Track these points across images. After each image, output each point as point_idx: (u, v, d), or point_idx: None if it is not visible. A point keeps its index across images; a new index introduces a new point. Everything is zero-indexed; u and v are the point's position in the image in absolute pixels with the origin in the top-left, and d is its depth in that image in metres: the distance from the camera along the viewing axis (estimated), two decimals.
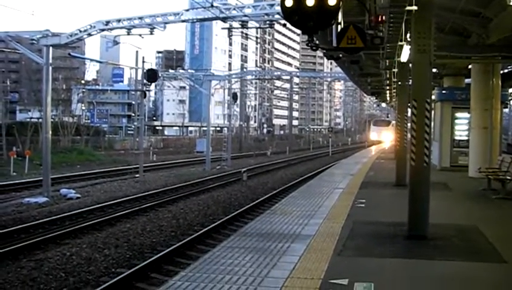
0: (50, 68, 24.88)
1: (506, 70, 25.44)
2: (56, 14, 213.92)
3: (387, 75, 26.67)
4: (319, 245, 8.93)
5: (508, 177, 15.00)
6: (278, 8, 20.34)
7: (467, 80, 25.07)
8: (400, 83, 20.47)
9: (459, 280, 7.38)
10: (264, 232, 9.96)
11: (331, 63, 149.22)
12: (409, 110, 17.52)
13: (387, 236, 9.79)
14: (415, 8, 9.92)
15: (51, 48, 24.57)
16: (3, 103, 59.22)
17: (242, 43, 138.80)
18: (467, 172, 20.97)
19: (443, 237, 9.76)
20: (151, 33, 24.42)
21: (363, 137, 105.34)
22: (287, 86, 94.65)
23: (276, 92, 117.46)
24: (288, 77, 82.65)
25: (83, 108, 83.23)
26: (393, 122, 77.03)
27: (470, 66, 22.21)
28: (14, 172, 32.62)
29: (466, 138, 23.22)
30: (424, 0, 9.79)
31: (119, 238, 15.10)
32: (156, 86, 76.28)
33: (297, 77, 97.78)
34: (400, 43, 15.83)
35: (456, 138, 24.38)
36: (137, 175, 32.29)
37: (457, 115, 24.40)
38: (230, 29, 31.39)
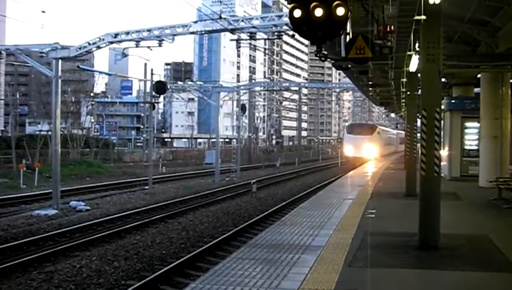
0: (59, 81, 24.92)
1: None
2: (65, 27, 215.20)
3: (396, 85, 26.63)
4: (330, 256, 8.88)
5: None
6: (286, 19, 20.39)
7: (476, 89, 24.99)
8: (408, 93, 20.44)
9: None
10: (274, 244, 9.93)
11: (339, 74, 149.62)
12: (418, 120, 17.56)
13: (398, 247, 9.73)
14: (423, 17, 9.91)
15: (60, 60, 24.62)
16: (13, 116, 59.48)
17: (250, 55, 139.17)
18: (477, 182, 20.84)
19: (454, 247, 9.70)
20: (160, 45, 24.49)
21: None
22: (296, 97, 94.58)
23: (284, 103, 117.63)
24: (296, 88, 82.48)
25: (92, 120, 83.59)
26: (380, 128, 66.56)
27: (479, 76, 22.15)
28: (23, 185, 32.72)
29: (476, 148, 23.12)
30: (433, 9, 9.77)
31: (128, 250, 15.08)
32: (164, 98, 76.39)
33: (306, 88, 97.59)
34: (408, 52, 15.86)
35: (466, 147, 24.28)
36: (146, 187, 32.31)
37: (467, 124, 24.31)
38: (238, 40, 31.48)
